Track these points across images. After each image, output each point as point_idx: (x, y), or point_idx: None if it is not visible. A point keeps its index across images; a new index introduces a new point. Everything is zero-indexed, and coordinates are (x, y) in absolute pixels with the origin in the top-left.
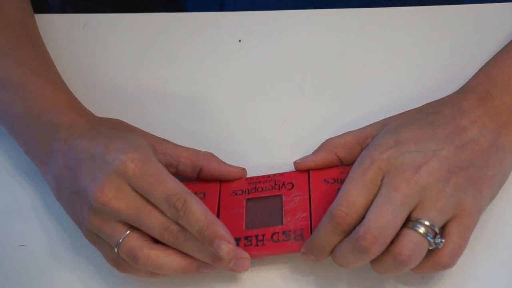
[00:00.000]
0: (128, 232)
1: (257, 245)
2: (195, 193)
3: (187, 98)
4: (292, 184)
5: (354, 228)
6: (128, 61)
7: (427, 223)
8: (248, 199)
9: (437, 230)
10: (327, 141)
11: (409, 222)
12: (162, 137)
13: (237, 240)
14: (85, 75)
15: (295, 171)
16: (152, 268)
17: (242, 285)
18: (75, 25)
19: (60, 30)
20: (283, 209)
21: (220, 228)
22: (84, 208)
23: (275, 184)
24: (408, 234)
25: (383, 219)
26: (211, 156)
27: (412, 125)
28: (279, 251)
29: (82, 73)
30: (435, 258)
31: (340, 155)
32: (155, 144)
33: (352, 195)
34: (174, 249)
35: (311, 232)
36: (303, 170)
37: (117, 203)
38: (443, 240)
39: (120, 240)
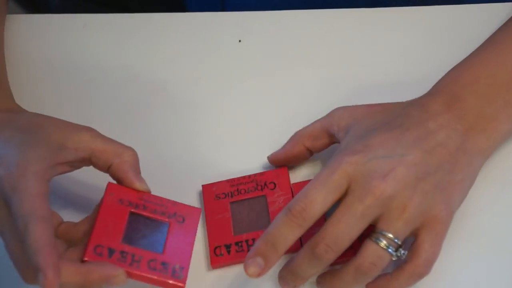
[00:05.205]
0: None
1: (248, 250)
2: (174, 214)
3: (187, 98)
4: (274, 184)
5: (309, 227)
6: (128, 61)
7: (390, 235)
8: (232, 202)
9: (400, 242)
10: (296, 132)
11: (373, 233)
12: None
13: (228, 247)
14: (85, 75)
15: (275, 169)
16: None
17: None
18: (75, 25)
19: (60, 30)
20: (269, 210)
21: (44, 260)
22: None
23: (257, 185)
24: (370, 246)
25: (339, 230)
26: (122, 162)
27: (382, 128)
28: None
29: (82, 73)
30: (411, 268)
31: (307, 145)
32: (65, 140)
33: (312, 193)
34: None
35: None
36: (276, 164)
37: None
38: (406, 252)
39: None
